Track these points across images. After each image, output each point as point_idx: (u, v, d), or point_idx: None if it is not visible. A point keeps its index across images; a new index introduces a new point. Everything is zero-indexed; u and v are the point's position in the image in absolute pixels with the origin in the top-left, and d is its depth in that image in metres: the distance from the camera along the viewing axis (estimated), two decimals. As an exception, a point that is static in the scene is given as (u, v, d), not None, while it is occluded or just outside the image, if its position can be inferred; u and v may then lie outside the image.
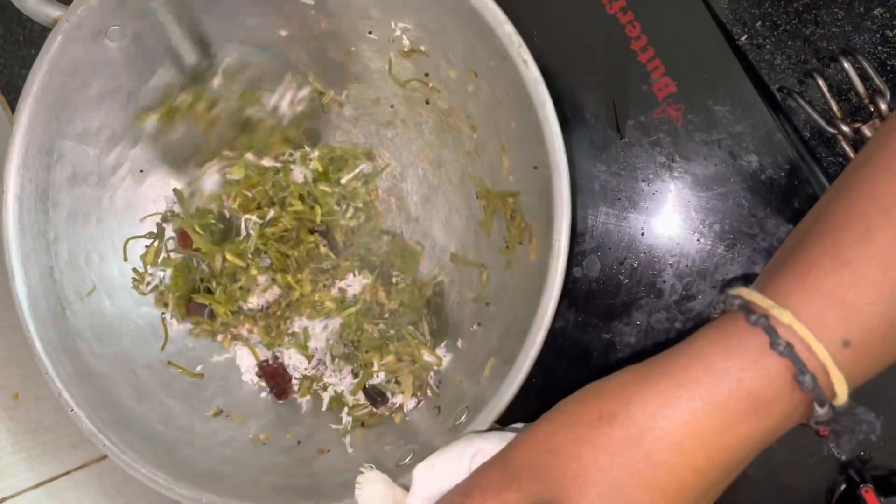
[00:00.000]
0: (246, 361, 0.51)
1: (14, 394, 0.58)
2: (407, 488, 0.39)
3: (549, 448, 0.32)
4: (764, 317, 0.30)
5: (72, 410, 0.44)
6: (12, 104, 0.64)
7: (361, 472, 0.39)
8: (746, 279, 0.47)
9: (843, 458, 0.46)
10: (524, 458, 0.32)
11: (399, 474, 0.41)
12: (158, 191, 0.51)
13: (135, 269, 0.50)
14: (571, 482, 0.30)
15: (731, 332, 0.31)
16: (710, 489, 0.31)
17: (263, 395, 0.51)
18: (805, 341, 0.29)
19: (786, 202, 0.47)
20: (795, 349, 0.29)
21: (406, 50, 0.46)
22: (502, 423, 0.42)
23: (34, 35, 0.63)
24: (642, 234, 0.49)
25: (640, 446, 0.30)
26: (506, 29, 0.39)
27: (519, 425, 0.41)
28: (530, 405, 0.42)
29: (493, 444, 0.36)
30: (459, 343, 0.48)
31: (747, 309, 0.30)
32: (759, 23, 0.51)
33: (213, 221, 0.49)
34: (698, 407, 0.30)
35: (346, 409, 0.49)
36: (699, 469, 0.30)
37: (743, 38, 0.52)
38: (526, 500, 0.32)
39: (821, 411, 0.30)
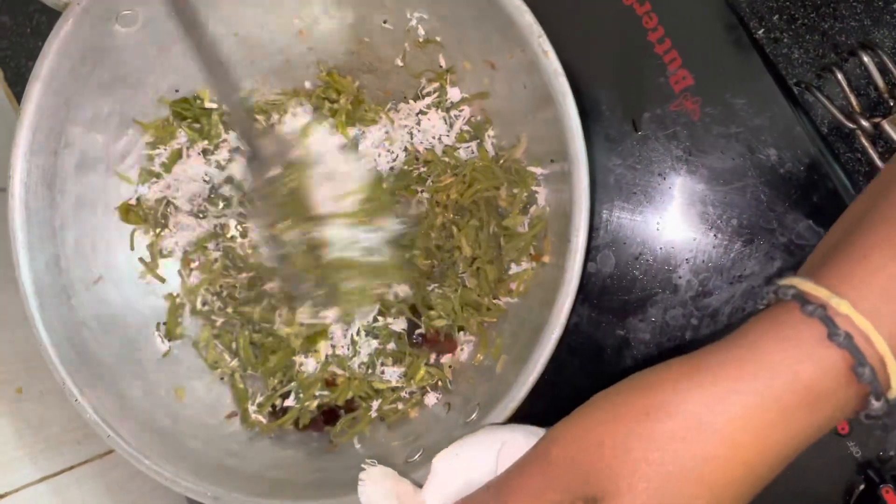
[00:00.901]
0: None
1: (18, 388, 0.57)
2: (419, 484, 0.38)
3: (593, 442, 0.31)
4: (821, 307, 0.29)
5: (76, 400, 0.43)
6: (18, 95, 0.63)
7: (363, 469, 0.38)
8: (767, 279, 0.47)
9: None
10: (566, 453, 0.31)
11: (409, 471, 0.40)
12: (166, 178, 0.50)
13: (141, 259, 0.50)
14: (619, 477, 0.29)
15: (785, 322, 0.30)
16: (757, 484, 0.30)
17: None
18: (864, 332, 0.28)
19: (805, 197, 0.46)
20: (854, 340, 0.28)
21: (421, 40, 0.46)
22: (512, 421, 0.41)
23: (41, 27, 0.63)
24: (658, 228, 0.48)
25: (692, 441, 0.29)
26: (526, 18, 0.38)
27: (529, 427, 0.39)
28: (541, 402, 0.41)
29: (521, 436, 0.35)
30: (472, 339, 0.48)
31: (802, 299, 0.30)
32: (776, 16, 0.50)
33: None
34: (754, 401, 0.29)
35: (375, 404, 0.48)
36: (750, 464, 0.29)
37: (760, 32, 0.51)
38: (569, 499, 0.31)
39: (876, 405, 0.29)
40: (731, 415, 0.29)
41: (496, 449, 0.35)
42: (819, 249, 0.34)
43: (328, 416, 0.48)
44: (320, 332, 0.48)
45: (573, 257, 0.37)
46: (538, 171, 0.44)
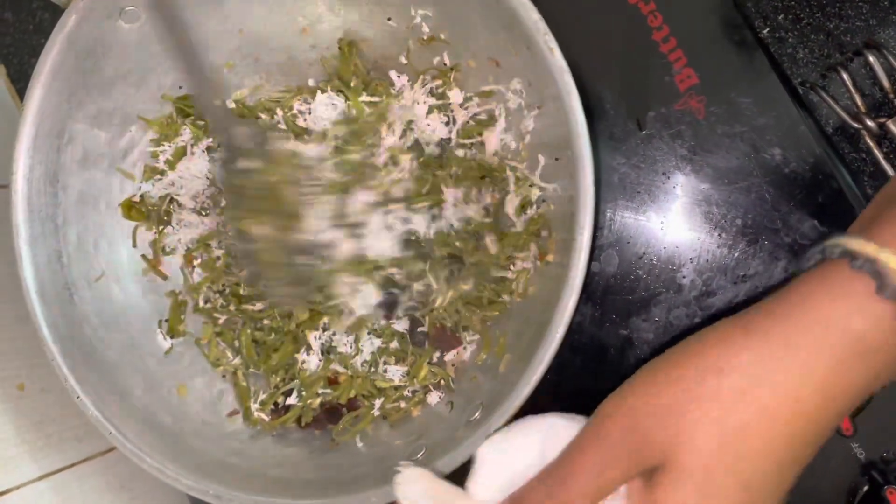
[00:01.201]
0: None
1: (19, 384, 0.57)
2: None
3: (648, 411, 0.31)
4: (869, 262, 0.29)
5: (78, 397, 0.43)
6: (21, 92, 0.63)
7: (398, 472, 0.37)
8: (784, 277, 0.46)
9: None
10: (621, 426, 0.31)
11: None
12: (170, 175, 0.50)
13: (144, 256, 0.49)
14: (679, 441, 0.30)
15: (833, 278, 0.30)
16: (818, 436, 0.31)
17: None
18: None
19: (810, 196, 0.46)
20: None
21: (425, 38, 0.46)
22: (515, 418, 0.41)
23: (44, 24, 0.63)
24: (661, 228, 0.48)
25: (750, 397, 0.29)
26: (532, 16, 0.38)
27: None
28: (543, 401, 0.41)
29: (563, 423, 0.35)
30: (475, 338, 0.47)
31: (851, 256, 0.30)
32: (781, 16, 0.50)
33: None
34: (809, 355, 0.29)
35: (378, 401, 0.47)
36: (810, 417, 0.30)
37: (765, 31, 0.51)
38: (630, 473, 0.31)
39: None
40: (788, 369, 0.29)
41: (540, 438, 0.35)
42: (860, 219, 0.34)
43: (330, 414, 0.48)
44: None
45: (577, 255, 0.36)
46: (540, 163, 0.44)
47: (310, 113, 0.48)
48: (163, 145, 0.49)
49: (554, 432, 0.34)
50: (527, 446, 0.35)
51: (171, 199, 0.50)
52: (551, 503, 0.32)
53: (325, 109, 0.47)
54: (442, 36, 0.45)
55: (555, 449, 0.34)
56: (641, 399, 0.32)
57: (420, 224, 0.45)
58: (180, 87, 0.48)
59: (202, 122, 0.49)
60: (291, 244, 0.44)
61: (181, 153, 0.49)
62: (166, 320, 0.49)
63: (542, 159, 0.44)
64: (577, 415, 0.36)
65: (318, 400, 0.47)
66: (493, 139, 0.46)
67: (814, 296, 0.30)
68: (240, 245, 0.44)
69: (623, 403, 0.32)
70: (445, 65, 0.46)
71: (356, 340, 0.47)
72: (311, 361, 0.47)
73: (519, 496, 0.33)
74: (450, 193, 0.45)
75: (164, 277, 0.50)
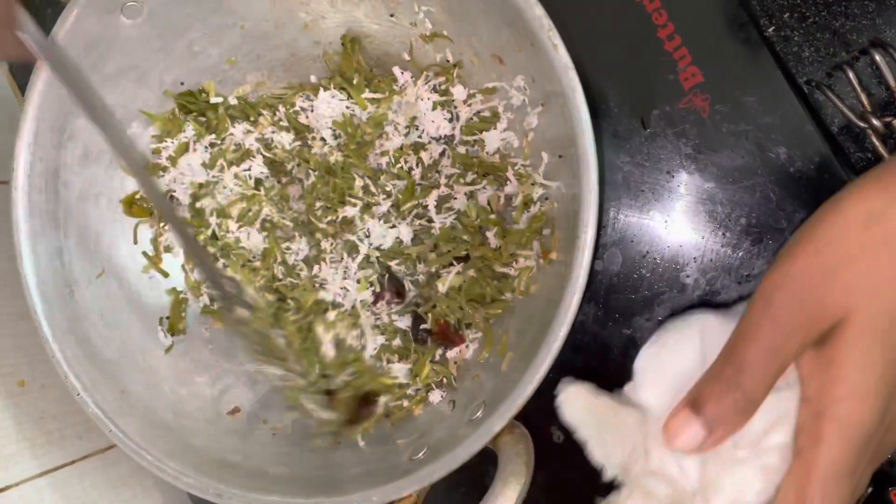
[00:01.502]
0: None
1: (20, 381, 0.57)
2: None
3: (815, 273, 0.30)
4: None
5: (78, 395, 0.42)
6: (23, 88, 0.63)
7: (560, 391, 0.36)
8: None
9: None
10: (789, 297, 0.31)
11: (413, 468, 0.40)
12: (172, 172, 0.50)
13: (145, 253, 0.49)
14: (854, 293, 0.29)
15: None
16: None
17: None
18: None
19: (815, 196, 0.45)
20: None
21: (428, 34, 0.45)
22: (517, 419, 0.40)
23: (47, 20, 0.62)
24: (665, 227, 0.48)
25: None
26: (535, 11, 0.38)
27: None
28: (546, 398, 0.41)
29: (714, 318, 0.35)
30: (477, 336, 0.47)
31: None
32: (786, 14, 0.50)
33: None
34: None
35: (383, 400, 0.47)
36: None
37: (770, 30, 0.50)
38: (806, 343, 0.30)
39: None
40: None
41: (697, 337, 0.34)
42: None
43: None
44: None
45: (581, 253, 0.36)
46: (544, 161, 0.43)
47: (312, 110, 0.47)
48: (165, 141, 0.49)
49: (710, 328, 0.34)
50: (684, 348, 0.35)
51: (172, 197, 0.49)
52: (734, 395, 0.31)
53: (328, 107, 0.46)
54: (445, 32, 0.45)
55: (714, 344, 0.33)
56: (803, 263, 0.31)
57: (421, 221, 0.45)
58: (182, 84, 0.48)
59: (204, 119, 0.49)
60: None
61: (183, 149, 0.49)
62: (167, 318, 0.49)
63: (545, 157, 0.43)
64: (725, 309, 0.35)
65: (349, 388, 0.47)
66: (496, 136, 0.46)
67: None
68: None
69: (786, 274, 0.31)
70: (448, 61, 0.46)
71: (360, 336, 0.47)
72: (327, 350, 0.47)
73: (696, 395, 0.32)
74: (457, 190, 0.45)
75: (166, 275, 0.50)
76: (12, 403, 0.55)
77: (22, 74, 0.63)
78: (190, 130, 0.48)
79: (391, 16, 0.45)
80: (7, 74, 0.65)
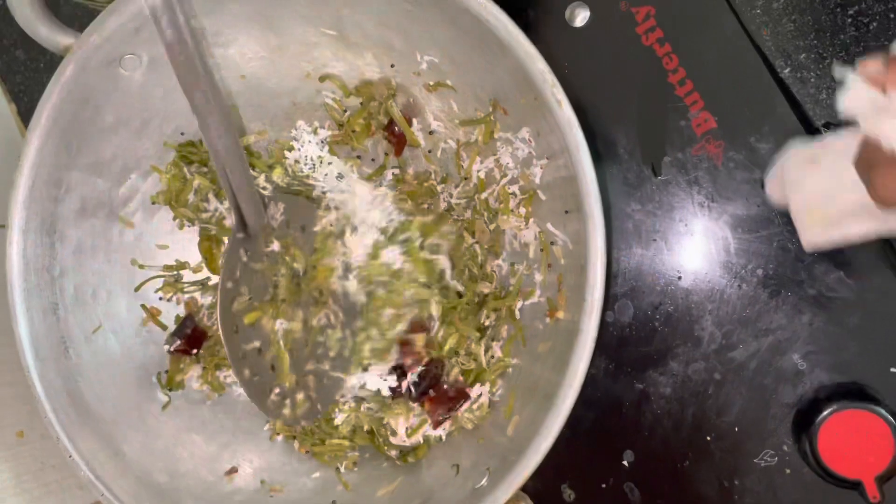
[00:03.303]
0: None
1: (18, 432, 0.56)
2: None
3: None
4: None
5: (70, 457, 0.41)
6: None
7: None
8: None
9: None
10: None
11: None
12: (170, 224, 0.49)
13: (143, 306, 0.48)
14: None
15: None
16: None
17: (280, 438, 0.48)
18: None
19: (834, 248, 0.44)
20: None
21: (432, 84, 0.44)
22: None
23: (55, 62, 0.61)
24: (679, 277, 0.46)
25: None
26: (538, 66, 0.36)
27: None
28: (558, 457, 0.39)
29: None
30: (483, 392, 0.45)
31: None
32: (803, 55, 0.48)
33: None
34: None
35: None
36: None
37: (786, 71, 0.49)
38: None
39: None
40: None
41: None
42: None
43: None
44: None
45: (588, 317, 0.35)
46: (549, 227, 0.42)
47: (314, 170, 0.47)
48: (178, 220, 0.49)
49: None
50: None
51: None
52: None
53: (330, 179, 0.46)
54: (448, 82, 0.43)
55: None
56: None
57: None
58: (182, 134, 0.47)
59: (206, 169, 0.48)
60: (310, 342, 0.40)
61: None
62: (165, 372, 0.48)
63: (550, 208, 0.42)
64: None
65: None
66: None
67: None
68: (242, 346, 0.40)
69: None
70: (455, 110, 0.45)
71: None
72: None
73: None
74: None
75: (164, 328, 0.49)
76: (10, 455, 0.54)
77: (30, 116, 0.63)
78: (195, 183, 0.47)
79: (392, 66, 0.44)
80: (15, 116, 0.65)
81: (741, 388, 0.45)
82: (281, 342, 0.40)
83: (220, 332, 0.41)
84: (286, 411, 0.41)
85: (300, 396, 0.41)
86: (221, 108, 0.38)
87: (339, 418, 0.46)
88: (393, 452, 0.45)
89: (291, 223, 0.41)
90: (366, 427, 0.46)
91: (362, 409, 0.46)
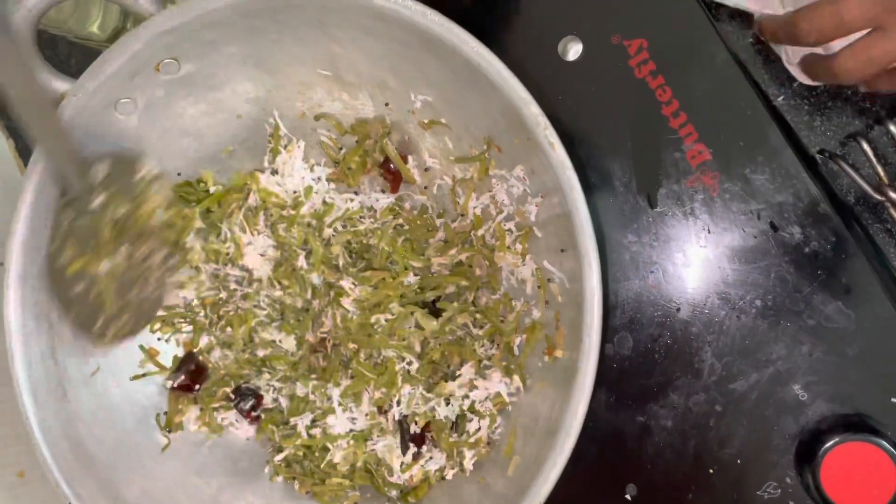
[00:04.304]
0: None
1: (19, 472, 0.56)
2: None
3: None
4: None
5: (69, 503, 0.41)
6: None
7: None
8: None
9: None
10: None
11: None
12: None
13: (142, 347, 0.48)
14: None
15: None
16: None
17: (280, 479, 0.48)
18: None
19: (833, 276, 0.43)
20: None
21: (426, 122, 0.44)
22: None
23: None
24: (677, 309, 0.46)
25: None
26: (532, 110, 0.36)
27: None
28: (560, 492, 0.39)
29: None
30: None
31: None
32: (796, 83, 0.49)
33: None
34: None
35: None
36: None
37: (780, 99, 0.49)
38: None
39: None
40: None
41: None
42: None
43: None
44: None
45: (587, 358, 0.35)
46: (546, 264, 0.42)
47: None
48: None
49: None
50: None
51: None
52: None
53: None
54: (443, 120, 0.44)
55: None
56: None
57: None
58: (178, 174, 0.47)
59: (207, 212, 0.48)
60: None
61: None
62: (164, 413, 0.48)
63: (546, 245, 0.42)
64: None
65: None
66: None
67: None
68: (69, 293, 0.43)
69: None
70: (450, 147, 0.45)
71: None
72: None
73: None
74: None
75: (163, 368, 0.48)
76: (11, 496, 0.54)
77: (29, 153, 0.63)
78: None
79: (387, 104, 0.44)
80: (14, 153, 0.65)
81: (742, 419, 0.45)
82: (104, 279, 0.43)
83: (51, 290, 0.43)
84: (110, 332, 0.44)
85: (125, 317, 0.44)
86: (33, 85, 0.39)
87: (337, 456, 0.46)
88: (393, 493, 0.45)
89: (115, 175, 0.43)
90: (359, 464, 0.46)
91: (364, 447, 0.46)
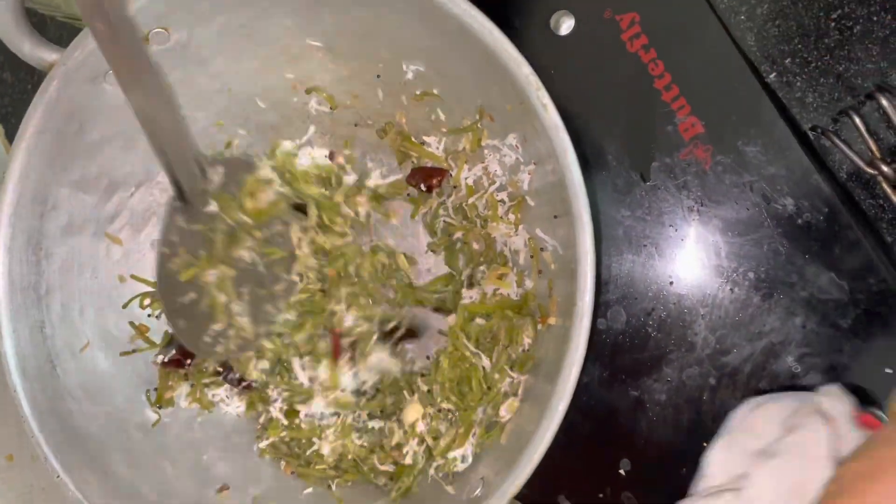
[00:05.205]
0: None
1: (8, 455, 0.55)
2: None
3: None
4: None
5: (58, 476, 0.41)
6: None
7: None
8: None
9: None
10: None
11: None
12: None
13: (132, 323, 0.48)
14: None
15: None
16: None
17: (268, 457, 0.48)
18: None
19: (826, 248, 0.43)
20: None
21: (418, 93, 0.44)
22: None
23: (29, 91, 0.62)
24: (671, 282, 0.46)
25: None
26: (523, 70, 0.36)
27: None
28: (553, 468, 0.39)
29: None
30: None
31: None
32: (788, 59, 0.49)
33: None
34: None
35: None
36: None
37: (772, 76, 0.49)
38: None
39: None
40: None
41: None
42: None
43: None
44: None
45: (579, 322, 0.34)
46: (539, 232, 0.42)
47: None
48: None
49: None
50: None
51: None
52: None
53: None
54: (435, 91, 0.44)
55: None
56: None
57: None
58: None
59: None
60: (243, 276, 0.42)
61: None
62: (154, 389, 0.47)
63: (539, 214, 0.42)
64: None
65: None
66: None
67: None
68: (179, 300, 0.41)
69: None
70: (442, 119, 0.45)
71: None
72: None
73: None
74: None
75: (153, 344, 0.48)
76: (0, 479, 0.53)
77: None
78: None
79: (378, 76, 0.44)
80: (2, 139, 0.65)
81: (736, 392, 0.45)
82: (215, 290, 0.41)
83: (159, 294, 0.42)
84: (219, 349, 0.42)
85: (232, 333, 0.42)
86: (161, 90, 0.39)
87: (325, 449, 0.45)
88: (381, 480, 0.45)
89: (230, 183, 0.42)
90: (350, 456, 0.45)
91: (352, 437, 0.46)
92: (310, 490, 0.46)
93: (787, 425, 0.38)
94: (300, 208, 0.45)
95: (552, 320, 0.40)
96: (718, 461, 0.39)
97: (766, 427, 0.39)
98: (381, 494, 0.44)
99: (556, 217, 0.39)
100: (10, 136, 0.64)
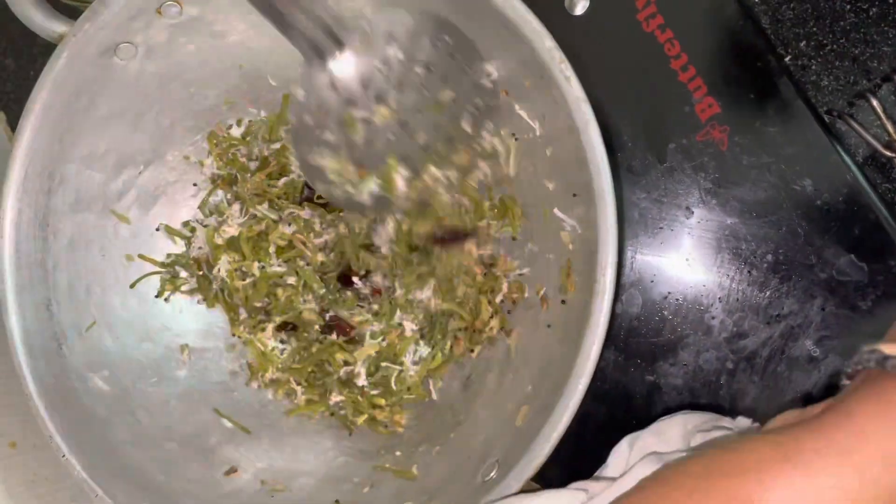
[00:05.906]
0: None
1: (11, 442, 0.54)
2: None
3: None
4: None
5: (63, 457, 0.40)
6: (21, 137, 0.62)
7: None
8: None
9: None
10: None
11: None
12: (166, 219, 0.48)
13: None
14: None
15: (889, 398, 0.26)
16: None
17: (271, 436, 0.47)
18: None
19: (845, 229, 0.43)
20: None
21: (433, 69, 0.44)
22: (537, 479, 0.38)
23: (37, 64, 0.62)
24: (687, 265, 0.45)
25: None
26: (546, 43, 0.36)
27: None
28: (568, 453, 0.38)
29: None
30: (487, 384, 0.44)
31: None
32: (803, 42, 0.48)
33: None
34: (866, 498, 0.25)
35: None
36: None
37: (787, 59, 0.49)
38: None
39: None
40: None
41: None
42: None
43: None
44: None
45: (600, 298, 0.34)
46: (557, 212, 0.41)
47: None
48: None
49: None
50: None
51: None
52: None
53: None
54: (451, 67, 0.43)
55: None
56: None
57: None
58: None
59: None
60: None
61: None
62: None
63: (557, 193, 0.41)
64: (579, 491, 0.36)
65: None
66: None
67: (872, 424, 0.25)
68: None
69: None
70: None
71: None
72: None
73: None
74: None
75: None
76: (2, 466, 0.52)
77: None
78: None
79: (394, 52, 0.44)
80: (4, 125, 0.64)
81: (754, 376, 0.44)
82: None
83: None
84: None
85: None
86: None
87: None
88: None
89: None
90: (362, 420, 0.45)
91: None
92: (322, 473, 0.45)
93: (687, 436, 0.37)
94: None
95: (570, 290, 0.39)
96: (621, 453, 0.38)
97: (672, 434, 0.38)
98: (393, 481, 0.43)
99: (574, 195, 0.38)
100: (11, 123, 0.63)
